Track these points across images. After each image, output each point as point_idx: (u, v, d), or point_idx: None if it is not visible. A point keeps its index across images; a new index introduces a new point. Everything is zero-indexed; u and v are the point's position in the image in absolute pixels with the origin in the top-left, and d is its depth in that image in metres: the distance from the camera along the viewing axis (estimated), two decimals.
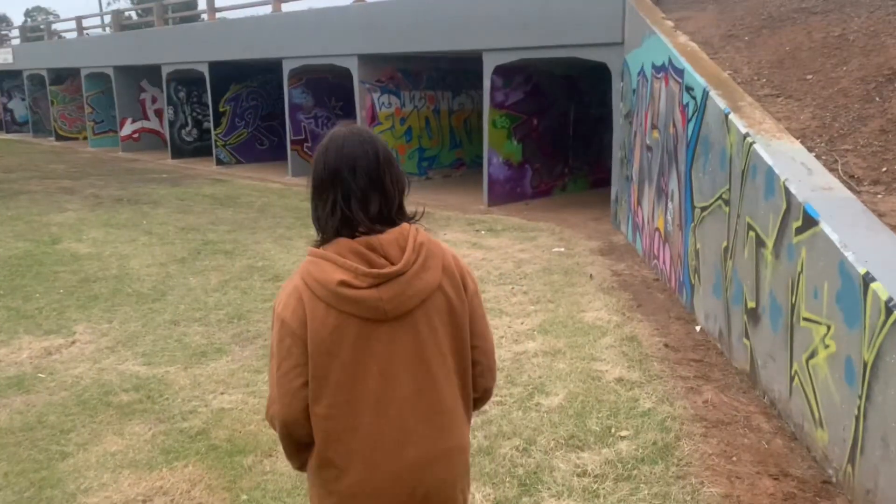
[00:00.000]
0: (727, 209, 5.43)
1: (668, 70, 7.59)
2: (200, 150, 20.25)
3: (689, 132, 6.56)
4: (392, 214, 1.87)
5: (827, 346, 3.68)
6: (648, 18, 8.93)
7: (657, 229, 7.92)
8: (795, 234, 4.11)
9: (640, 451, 3.92)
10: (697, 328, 6.04)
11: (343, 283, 1.79)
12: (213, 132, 18.43)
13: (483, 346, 1.97)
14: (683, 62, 6.93)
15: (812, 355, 3.86)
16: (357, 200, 1.82)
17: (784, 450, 3.95)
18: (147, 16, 21.55)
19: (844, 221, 3.78)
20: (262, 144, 19.33)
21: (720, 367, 5.16)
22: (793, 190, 4.20)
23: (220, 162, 18.51)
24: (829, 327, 3.67)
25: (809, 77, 6.11)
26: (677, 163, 7.05)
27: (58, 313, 6.63)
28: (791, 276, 4.17)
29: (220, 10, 18.76)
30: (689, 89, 6.64)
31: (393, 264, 1.81)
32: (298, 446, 1.93)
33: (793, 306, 4.14)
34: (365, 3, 14.38)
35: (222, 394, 4.94)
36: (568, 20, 11.05)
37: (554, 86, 13.51)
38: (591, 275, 7.64)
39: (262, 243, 9.47)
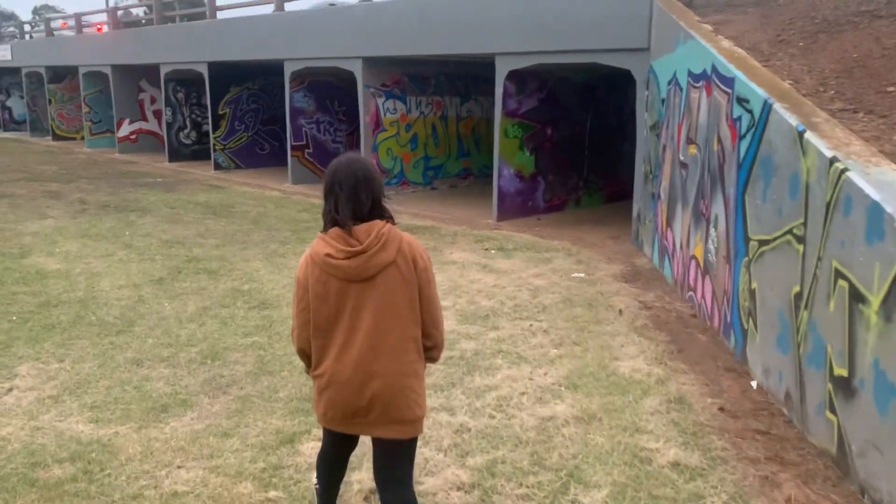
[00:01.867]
0: (800, 247, 4.39)
1: (710, 78, 6.56)
2: (199, 153, 19.23)
3: (742, 150, 5.52)
4: (364, 215, 2.66)
5: None
6: (683, 21, 7.90)
7: (694, 257, 6.88)
8: None
9: None
10: (753, 384, 4.99)
11: (328, 255, 2.64)
12: (211, 135, 17.42)
13: (428, 307, 2.72)
14: (733, 69, 5.89)
15: None
16: (342, 206, 2.65)
17: None
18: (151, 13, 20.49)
19: None
20: (263, 149, 18.31)
21: (794, 444, 4.11)
22: None
23: (218, 167, 17.49)
24: None
25: (891, 89, 5.07)
26: (724, 185, 6.01)
27: (3, 348, 5.60)
28: None
29: (221, 8, 17.75)
30: (741, 101, 5.60)
31: (360, 246, 2.62)
32: (308, 359, 2.81)
33: None
34: (370, 3, 13.37)
35: (179, 468, 3.90)
36: (589, 23, 10.03)
37: (569, 93, 12.48)
38: (620, 310, 6.59)
39: (252, 261, 8.44)
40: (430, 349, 2.77)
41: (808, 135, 4.36)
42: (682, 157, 7.59)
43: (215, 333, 5.98)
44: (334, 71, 14.36)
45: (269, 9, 15.79)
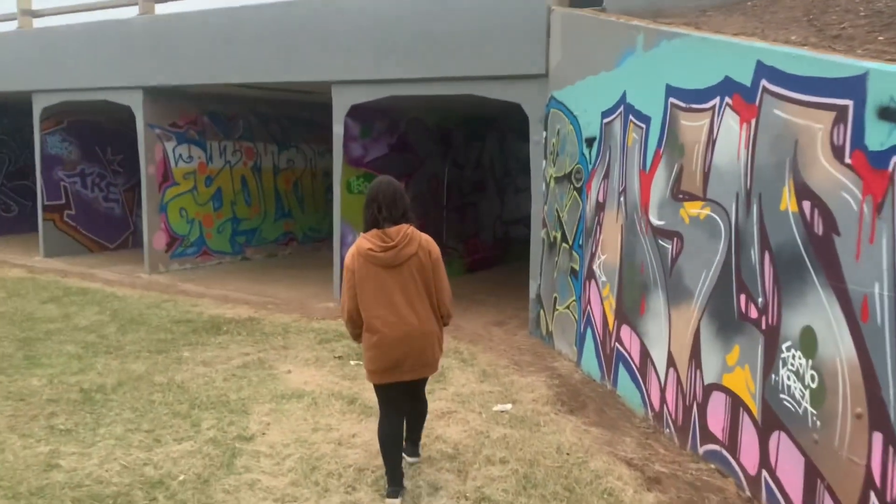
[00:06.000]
0: None
1: (746, 89, 3.68)
2: None
3: None
4: (397, 219, 3.49)
5: None
6: (639, 21, 5.07)
7: (724, 390, 3.87)
8: None
9: None
10: None
11: (369, 249, 3.45)
12: None
13: (439, 286, 3.56)
14: (853, 63, 3.01)
15: None
16: (384, 211, 3.48)
17: None
18: None
19: None
20: (9, 211, 13.24)
21: None
22: None
23: None
24: None
25: None
26: (835, 274, 3.05)
27: None
28: None
29: None
30: None
31: (392, 242, 3.45)
32: (355, 326, 3.59)
33: None
34: (154, 17, 9.44)
35: None
36: (460, 41, 7.02)
37: (425, 139, 9.37)
38: None
39: None
40: (443, 316, 3.64)
41: None
42: (657, 222, 4.64)
43: None
44: (104, 106, 10.13)
45: (11, 25, 11.18)
